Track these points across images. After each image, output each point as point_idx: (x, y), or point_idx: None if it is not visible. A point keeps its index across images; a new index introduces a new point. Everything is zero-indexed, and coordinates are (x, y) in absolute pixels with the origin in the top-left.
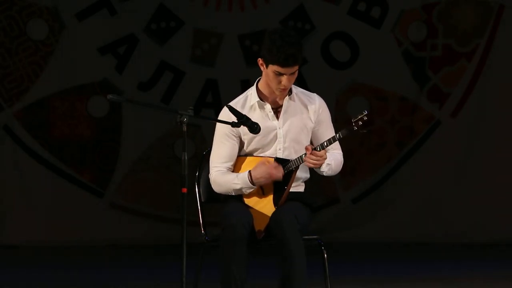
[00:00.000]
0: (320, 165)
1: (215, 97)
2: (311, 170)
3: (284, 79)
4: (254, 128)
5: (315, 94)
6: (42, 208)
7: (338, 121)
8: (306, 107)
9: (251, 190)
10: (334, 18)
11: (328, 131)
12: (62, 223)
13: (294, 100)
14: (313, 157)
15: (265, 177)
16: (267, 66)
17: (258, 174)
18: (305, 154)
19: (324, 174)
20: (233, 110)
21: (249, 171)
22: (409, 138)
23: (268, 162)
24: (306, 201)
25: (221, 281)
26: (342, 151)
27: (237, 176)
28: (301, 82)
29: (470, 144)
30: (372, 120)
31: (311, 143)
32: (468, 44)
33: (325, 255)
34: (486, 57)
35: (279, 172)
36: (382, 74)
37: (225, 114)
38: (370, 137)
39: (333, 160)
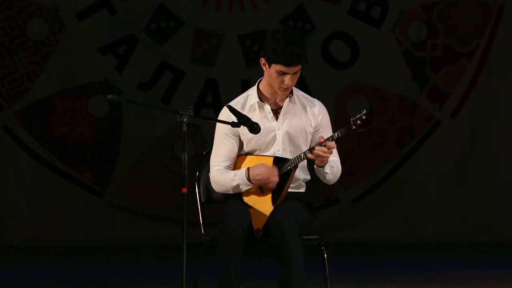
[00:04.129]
0: (326, 159)
1: (215, 97)
2: (312, 171)
3: (287, 78)
4: (254, 128)
5: (316, 99)
6: (42, 208)
7: (338, 121)
8: (306, 110)
9: (248, 187)
10: (334, 18)
11: (328, 135)
12: (62, 223)
13: (294, 103)
14: (323, 148)
15: (262, 177)
16: (270, 66)
17: (256, 171)
18: (305, 152)
19: (326, 178)
20: (233, 110)
21: (248, 168)
22: (409, 138)
23: (269, 165)
24: (306, 201)
25: (218, 280)
26: (342, 150)
27: (235, 173)
28: (301, 82)
29: (470, 144)
30: (370, 119)
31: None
32: (468, 44)
33: (325, 255)
34: (486, 57)
35: (275, 177)
36: (382, 74)
37: (225, 114)
38: (370, 137)
39: (335, 165)
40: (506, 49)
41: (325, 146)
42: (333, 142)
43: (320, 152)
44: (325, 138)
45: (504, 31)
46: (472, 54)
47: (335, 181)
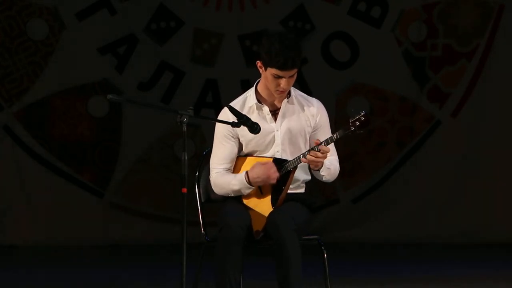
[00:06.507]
0: (320, 163)
1: (215, 97)
2: (312, 172)
3: (283, 81)
4: (254, 128)
5: (314, 98)
6: (42, 208)
7: (338, 122)
8: (304, 110)
9: (250, 190)
10: (334, 18)
11: (326, 135)
12: (62, 223)
13: (292, 103)
14: (317, 153)
15: (262, 178)
16: (265, 69)
17: (255, 174)
18: (305, 153)
19: (323, 179)
20: (233, 110)
21: (246, 172)
22: (409, 138)
23: (266, 163)
24: (305, 202)
25: (216, 281)
26: (342, 151)
27: (235, 177)
28: (301, 82)
29: (470, 144)
30: (369, 120)
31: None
32: (468, 44)
33: (325, 255)
34: (486, 57)
35: (275, 173)
36: (382, 74)
37: (224, 114)
38: (370, 137)
39: (332, 165)
40: (506, 49)
41: (319, 150)
42: (327, 146)
43: (313, 158)
44: (323, 138)
45: (504, 31)
46: (472, 54)
47: (333, 179)
